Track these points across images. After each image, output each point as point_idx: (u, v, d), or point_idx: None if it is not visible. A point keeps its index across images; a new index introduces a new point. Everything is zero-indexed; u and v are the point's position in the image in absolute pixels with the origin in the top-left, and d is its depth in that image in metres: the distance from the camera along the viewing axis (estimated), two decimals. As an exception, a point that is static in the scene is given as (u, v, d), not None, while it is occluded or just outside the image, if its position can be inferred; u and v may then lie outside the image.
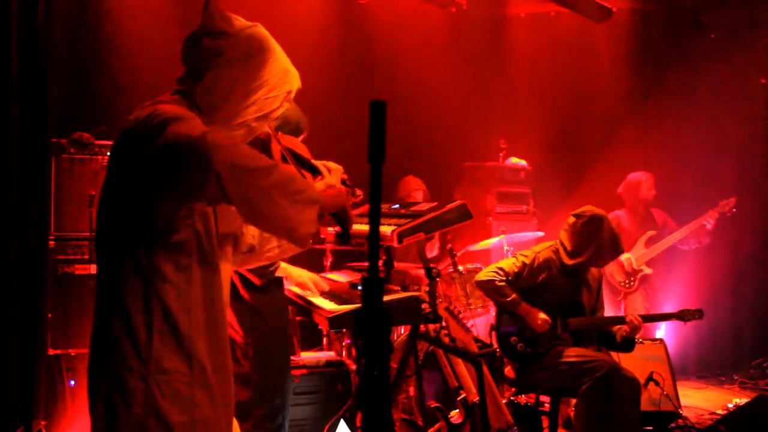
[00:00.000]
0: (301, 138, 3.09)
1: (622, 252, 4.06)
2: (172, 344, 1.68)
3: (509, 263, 3.97)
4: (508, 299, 3.86)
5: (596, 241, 3.88)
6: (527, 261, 3.94)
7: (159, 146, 1.63)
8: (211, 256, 1.79)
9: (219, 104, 1.80)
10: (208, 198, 1.68)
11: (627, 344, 3.98)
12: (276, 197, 1.64)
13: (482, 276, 3.98)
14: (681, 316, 4.04)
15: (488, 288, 3.94)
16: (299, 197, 1.69)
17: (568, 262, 3.92)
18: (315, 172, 2.09)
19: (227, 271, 1.92)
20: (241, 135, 1.86)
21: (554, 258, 3.97)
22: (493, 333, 4.15)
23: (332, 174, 2.18)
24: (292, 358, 3.77)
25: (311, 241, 1.79)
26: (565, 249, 3.96)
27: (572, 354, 3.83)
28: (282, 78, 1.90)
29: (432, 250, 5.55)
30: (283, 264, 3.00)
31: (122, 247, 1.70)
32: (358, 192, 2.37)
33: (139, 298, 1.67)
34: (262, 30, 1.91)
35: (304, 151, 2.63)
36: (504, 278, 3.89)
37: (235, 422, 1.94)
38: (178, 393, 1.68)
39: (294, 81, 1.94)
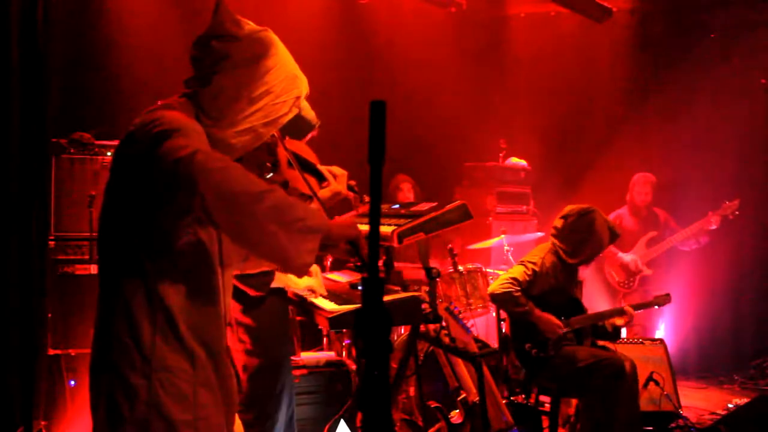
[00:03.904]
0: (308, 137, 3.05)
1: (618, 236, 4.08)
2: (174, 343, 1.69)
3: (520, 272, 3.91)
4: (525, 308, 3.81)
5: (593, 234, 3.89)
6: (536, 268, 3.91)
7: (155, 158, 1.62)
8: (214, 259, 1.80)
9: (224, 109, 1.78)
10: (201, 217, 1.66)
11: (615, 333, 4.09)
12: (267, 224, 1.58)
13: (497, 288, 3.87)
14: (656, 302, 4.29)
15: (506, 299, 3.85)
16: (298, 225, 1.62)
17: (571, 261, 3.93)
18: (320, 178, 2.07)
19: (230, 274, 1.91)
20: (248, 140, 1.84)
21: (557, 260, 3.97)
22: (510, 345, 4.07)
23: (338, 180, 2.18)
24: (292, 358, 3.77)
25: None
26: (564, 250, 3.96)
27: (585, 354, 3.84)
28: (290, 83, 1.88)
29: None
30: (279, 274, 2.90)
31: (125, 248, 1.70)
32: (367, 199, 2.33)
33: (142, 298, 1.67)
34: (270, 35, 1.89)
35: (311, 156, 2.61)
36: (519, 288, 3.85)
37: (237, 421, 1.94)
38: (180, 391, 1.69)
39: (303, 86, 1.92)
